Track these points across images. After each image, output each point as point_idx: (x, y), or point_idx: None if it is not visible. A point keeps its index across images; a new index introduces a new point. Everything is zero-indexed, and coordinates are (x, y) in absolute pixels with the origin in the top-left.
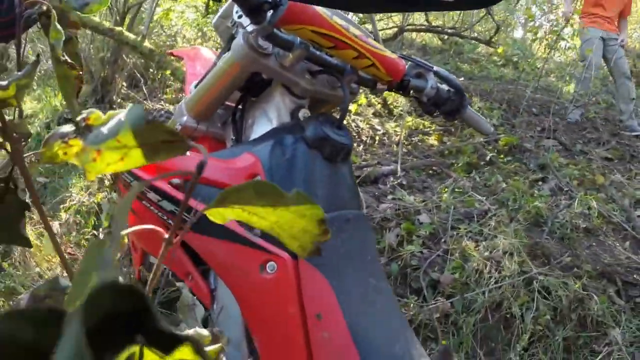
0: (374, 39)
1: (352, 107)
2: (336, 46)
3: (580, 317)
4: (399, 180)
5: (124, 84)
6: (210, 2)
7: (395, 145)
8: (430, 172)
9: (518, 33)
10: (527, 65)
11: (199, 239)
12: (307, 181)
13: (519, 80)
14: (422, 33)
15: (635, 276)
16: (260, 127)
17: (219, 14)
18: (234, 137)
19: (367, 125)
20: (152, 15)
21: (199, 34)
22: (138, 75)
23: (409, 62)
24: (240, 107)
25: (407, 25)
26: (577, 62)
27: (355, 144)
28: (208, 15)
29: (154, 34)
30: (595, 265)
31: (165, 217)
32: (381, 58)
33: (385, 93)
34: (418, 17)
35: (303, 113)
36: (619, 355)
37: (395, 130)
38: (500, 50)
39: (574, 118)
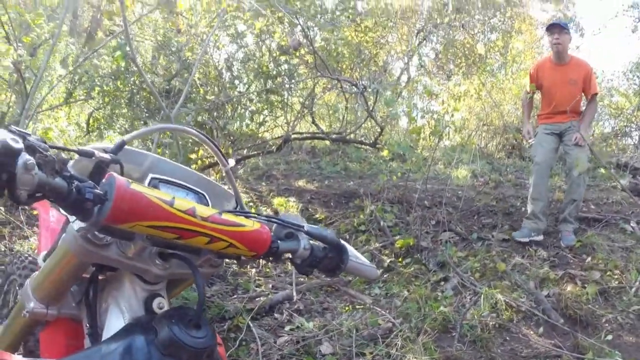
0: (237, 204)
1: None
2: (181, 236)
3: None
4: (295, 306)
5: (1, 207)
6: (91, 121)
7: (289, 263)
8: (328, 290)
9: (403, 121)
10: (415, 158)
11: None
12: None
13: (409, 172)
14: None
15: None
16: (113, 319)
17: None
18: (88, 324)
19: None
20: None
21: None
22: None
23: (276, 225)
24: (93, 285)
25: (293, 134)
26: (467, 145)
27: (247, 266)
28: (89, 133)
29: None
30: None
31: None
32: (240, 235)
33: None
34: (305, 125)
35: (158, 303)
36: None
37: None
38: (385, 152)
39: (520, 236)
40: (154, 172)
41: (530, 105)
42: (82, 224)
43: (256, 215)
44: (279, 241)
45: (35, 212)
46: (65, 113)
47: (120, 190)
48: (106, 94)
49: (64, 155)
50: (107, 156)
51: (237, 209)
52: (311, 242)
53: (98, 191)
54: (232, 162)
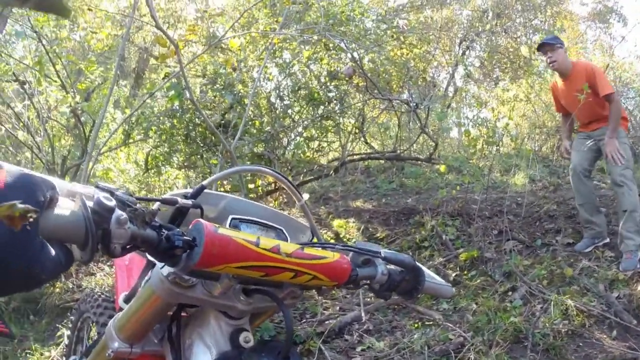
0: (312, 236)
1: None
2: (268, 274)
3: None
4: (365, 326)
5: None
6: (149, 159)
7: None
8: (396, 308)
9: (454, 132)
10: (472, 169)
11: None
12: None
13: (465, 184)
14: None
15: None
16: (200, 354)
17: None
18: None
19: None
20: (88, 176)
21: (143, 188)
22: None
23: (353, 253)
24: (175, 322)
25: (348, 156)
26: (525, 152)
27: (313, 290)
28: (148, 171)
29: None
30: None
31: None
32: (322, 268)
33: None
34: (359, 146)
35: (244, 337)
36: None
37: None
38: (442, 168)
39: (583, 247)
40: (231, 212)
41: (569, 124)
42: (171, 269)
43: (334, 246)
44: (357, 269)
45: None
46: (124, 154)
47: (209, 235)
48: (163, 132)
49: (150, 206)
50: (189, 202)
51: (313, 240)
52: (388, 266)
53: (187, 238)
54: (306, 196)
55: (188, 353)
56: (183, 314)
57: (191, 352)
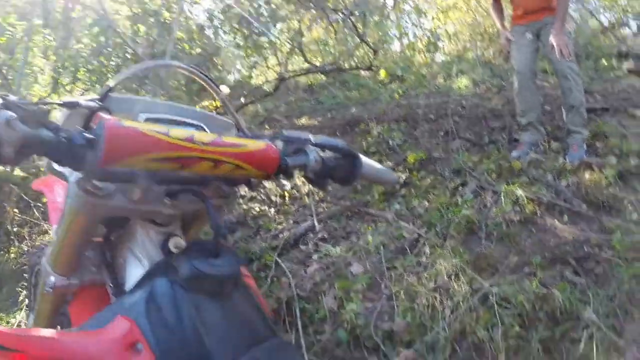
0: (238, 129)
1: None
2: (184, 165)
3: (549, 314)
4: (319, 235)
5: (16, 210)
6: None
7: (306, 197)
8: (349, 214)
9: (395, 46)
10: (413, 75)
11: None
12: (199, 333)
13: (408, 92)
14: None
15: (585, 249)
16: (132, 269)
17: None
18: (111, 285)
19: (274, 184)
20: None
21: None
22: (27, 198)
23: (283, 143)
24: (107, 244)
25: (287, 72)
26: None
27: (266, 208)
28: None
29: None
30: (543, 253)
31: None
32: (245, 156)
33: None
34: (298, 64)
35: (175, 243)
36: (599, 333)
37: (303, 181)
38: (383, 73)
39: (517, 154)
40: (147, 114)
41: (500, 8)
42: (79, 175)
43: (259, 135)
44: (287, 158)
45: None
46: None
47: (112, 128)
48: (92, 73)
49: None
50: (92, 104)
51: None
52: (321, 153)
53: (89, 135)
54: (225, 88)
55: (123, 274)
56: (113, 237)
57: (125, 272)
